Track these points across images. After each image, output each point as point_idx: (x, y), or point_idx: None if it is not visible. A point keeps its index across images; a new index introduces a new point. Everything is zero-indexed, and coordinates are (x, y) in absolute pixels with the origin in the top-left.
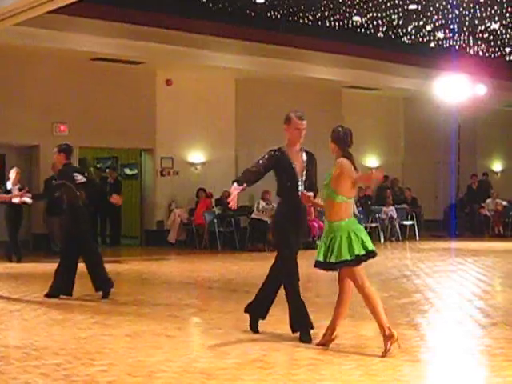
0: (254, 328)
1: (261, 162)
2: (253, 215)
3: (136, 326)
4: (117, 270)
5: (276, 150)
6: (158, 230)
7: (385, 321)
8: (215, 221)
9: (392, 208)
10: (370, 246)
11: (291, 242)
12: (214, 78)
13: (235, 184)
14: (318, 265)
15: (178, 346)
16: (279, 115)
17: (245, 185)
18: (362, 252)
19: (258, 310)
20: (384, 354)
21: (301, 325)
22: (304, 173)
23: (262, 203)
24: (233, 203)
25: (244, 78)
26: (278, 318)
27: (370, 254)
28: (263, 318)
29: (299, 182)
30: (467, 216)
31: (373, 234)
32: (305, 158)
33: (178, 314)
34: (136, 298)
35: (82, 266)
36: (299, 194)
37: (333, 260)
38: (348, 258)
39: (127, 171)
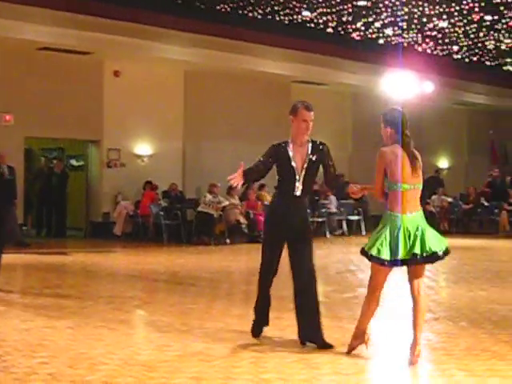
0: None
1: (260, 157)
2: (199, 208)
3: (78, 318)
4: (62, 262)
5: (277, 143)
6: (104, 221)
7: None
8: (161, 213)
9: (332, 202)
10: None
11: (273, 240)
12: (162, 70)
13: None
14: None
15: (119, 339)
16: (228, 108)
17: (243, 181)
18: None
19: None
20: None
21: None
22: (305, 166)
23: (209, 196)
24: (233, 181)
25: (193, 70)
26: (220, 310)
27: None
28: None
29: (297, 177)
30: None
31: (318, 228)
32: (310, 150)
33: (121, 306)
34: (79, 290)
35: (30, 258)
36: (295, 190)
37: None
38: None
39: (73, 162)
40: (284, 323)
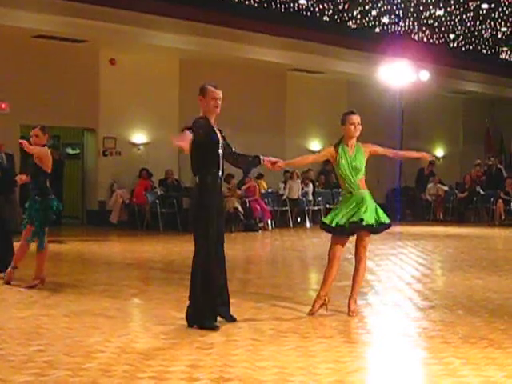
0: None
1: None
2: None
3: (75, 306)
4: (58, 250)
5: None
6: (100, 210)
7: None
8: (157, 201)
9: (306, 189)
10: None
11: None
12: (158, 58)
13: None
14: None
15: (116, 327)
16: (224, 97)
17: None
18: None
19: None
20: None
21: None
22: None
23: None
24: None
25: (188, 58)
26: None
27: None
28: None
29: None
30: (409, 201)
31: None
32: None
33: (117, 294)
34: (76, 278)
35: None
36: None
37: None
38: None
39: (69, 151)
40: (280, 311)
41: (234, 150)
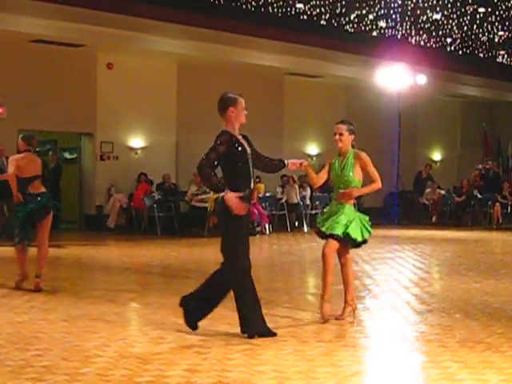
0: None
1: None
2: (192, 203)
3: (73, 310)
4: (56, 255)
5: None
6: (98, 214)
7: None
8: (155, 206)
9: (304, 193)
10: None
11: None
12: (155, 62)
13: None
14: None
15: (114, 331)
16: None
17: None
18: None
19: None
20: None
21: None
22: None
23: (193, 188)
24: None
25: (186, 63)
26: None
27: None
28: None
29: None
30: (407, 204)
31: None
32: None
33: (115, 298)
34: (74, 282)
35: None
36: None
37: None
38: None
39: (66, 155)
40: (277, 315)
41: (261, 154)
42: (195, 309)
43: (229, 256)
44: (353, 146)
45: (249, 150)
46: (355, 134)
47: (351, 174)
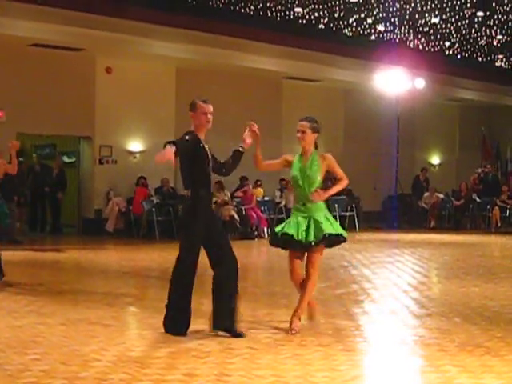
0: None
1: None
2: None
3: (71, 314)
4: (54, 259)
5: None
6: (96, 218)
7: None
8: (153, 210)
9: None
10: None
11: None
12: (154, 66)
13: None
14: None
15: (113, 335)
16: (219, 105)
17: None
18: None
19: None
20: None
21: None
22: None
23: None
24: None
25: (185, 67)
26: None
27: None
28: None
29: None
30: (405, 208)
31: None
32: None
33: (114, 302)
34: (72, 286)
35: (23, 254)
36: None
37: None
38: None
39: (65, 159)
40: (276, 319)
41: (218, 160)
42: (218, 316)
43: (180, 249)
44: (316, 147)
45: (210, 155)
46: (354, 137)
47: (319, 177)
